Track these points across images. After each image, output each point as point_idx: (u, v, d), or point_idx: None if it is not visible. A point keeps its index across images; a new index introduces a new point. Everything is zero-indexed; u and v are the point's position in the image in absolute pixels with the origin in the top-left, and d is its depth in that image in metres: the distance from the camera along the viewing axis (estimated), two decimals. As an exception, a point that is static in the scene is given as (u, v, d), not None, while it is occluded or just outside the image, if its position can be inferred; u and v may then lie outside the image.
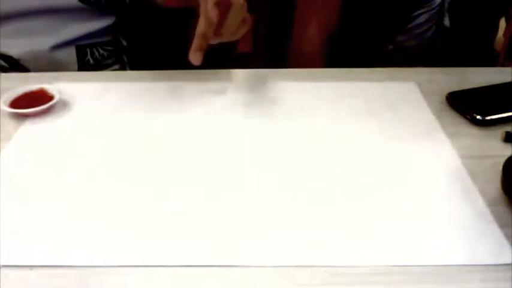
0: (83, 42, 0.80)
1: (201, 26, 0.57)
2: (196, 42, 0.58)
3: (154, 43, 0.87)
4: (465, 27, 0.92)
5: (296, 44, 0.90)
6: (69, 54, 0.80)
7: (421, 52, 0.96)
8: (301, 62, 0.90)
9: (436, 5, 0.92)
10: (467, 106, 0.63)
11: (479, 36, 0.90)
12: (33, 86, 0.66)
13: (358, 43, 0.90)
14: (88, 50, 0.81)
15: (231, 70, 0.75)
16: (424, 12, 0.92)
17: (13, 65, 0.79)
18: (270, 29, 1.00)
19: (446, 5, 0.93)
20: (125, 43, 0.85)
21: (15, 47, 0.78)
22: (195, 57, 0.59)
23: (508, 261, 0.43)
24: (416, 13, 0.91)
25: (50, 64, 0.78)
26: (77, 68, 0.81)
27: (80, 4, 0.77)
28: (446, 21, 0.94)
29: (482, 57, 0.83)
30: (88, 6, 0.77)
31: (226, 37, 0.60)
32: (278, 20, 0.95)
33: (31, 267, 0.43)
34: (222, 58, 0.83)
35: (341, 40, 0.89)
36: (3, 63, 0.79)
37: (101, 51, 0.82)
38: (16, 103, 0.63)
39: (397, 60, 0.95)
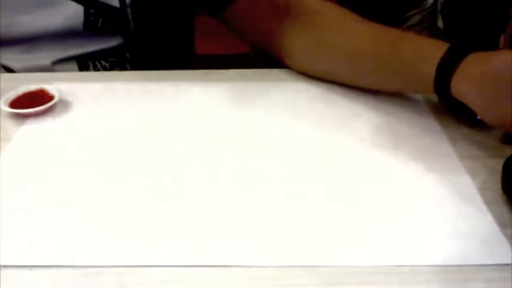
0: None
1: None
2: None
3: (161, 59, 0.86)
4: (458, 28, 0.92)
5: None
6: (71, 68, 0.80)
7: None
8: None
9: (428, 5, 0.92)
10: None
11: (473, 36, 0.91)
12: (33, 86, 0.66)
13: None
14: (90, 63, 0.81)
15: (230, 70, 0.75)
16: (417, 13, 0.92)
17: None
18: None
19: (438, 6, 0.93)
20: (128, 55, 0.85)
21: (17, 62, 0.78)
22: None
23: (508, 261, 0.43)
24: (409, 14, 0.91)
25: None
26: None
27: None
28: (440, 23, 0.94)
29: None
30: (93, 32, 0.78)
31: None
32: None
33: (31, 267, 0.43)
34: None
35: None
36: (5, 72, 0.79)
37: (104, 63, 0.82)
38: (16, 103, 0.63)
39: None
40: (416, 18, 0.92)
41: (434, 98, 0.67)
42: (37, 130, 0.61)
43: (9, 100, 0.64)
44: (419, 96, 0.68)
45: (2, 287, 0.41)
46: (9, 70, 0.78)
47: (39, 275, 0.42)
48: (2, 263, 0.43)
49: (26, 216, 0.48)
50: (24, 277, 0.42)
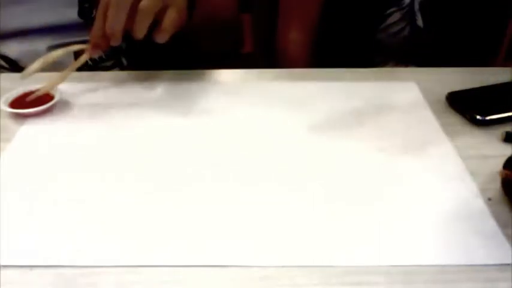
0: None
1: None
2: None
3: (154, 48, 0.87)
4: (438, 27, 0.93)
5: (281, 46, 0.92)
6: (66, 55, 0.80)
7: (401, 51, 0.97)
8: (288, 63, 0.91)
9: (405, 4, 0.93)
10: (467, 106, 0.63)
11: (454, 35, 0.91)
12: (33, 86, 0.66)
13: (339, 44, 0.91)
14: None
15: (229, 70, 0.75)
16: (396, 11, 0.92)
17: (11, 64, 0.79)
18: (263, 29, 1.02)
19: (416, 5, 0.93)
20: (123, 46, 0.85)
21: (12, 49, 0.78)
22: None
23: (508, 261, 0.43)
24: (388, 11, 0.92)
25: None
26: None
27: (80, 20, 0.78)
28: (420, 22, 0.94)
29: (465, 56, 0.83)
30: (87, 22, 0.78)
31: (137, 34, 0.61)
32: (268, 20, 0.96)
33: (31, 267, 0.43)
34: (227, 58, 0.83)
35: (323, 41, 0.90)
36: (2, 62, 0.79)
37: None
38: (16, 103, 0.63)
39: (380, 60, 0.96)
40: (396, 15, 0.93)
41: (435, 97, 0.67)
42: (37, 130, 0.61)
43: (9, 100, 0.64)
44: (420, 96, 0.68)
45: (2, 287, 0.41)
46: (4, 58, 0.79)
47: (39, 275, 0.42)
48: (2, 263, 0.43)
49: (26, 216, 0.48)
50: (24, 277, 0.42)
